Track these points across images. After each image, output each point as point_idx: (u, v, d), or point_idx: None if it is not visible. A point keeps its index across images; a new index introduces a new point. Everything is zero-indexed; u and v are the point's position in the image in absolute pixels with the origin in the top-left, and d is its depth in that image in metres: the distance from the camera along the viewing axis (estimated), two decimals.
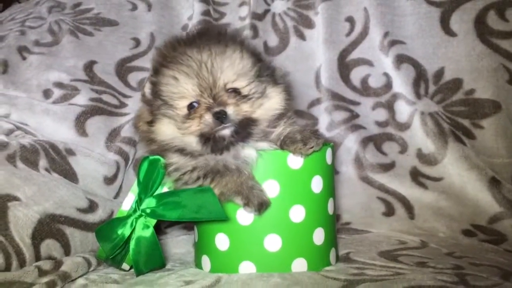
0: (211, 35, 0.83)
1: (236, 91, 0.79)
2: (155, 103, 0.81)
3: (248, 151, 0.81)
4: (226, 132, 0.77)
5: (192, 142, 0.79)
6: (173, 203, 0.80)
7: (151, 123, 0.82)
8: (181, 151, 0.82)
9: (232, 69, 0.78)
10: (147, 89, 0.83)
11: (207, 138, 0.78)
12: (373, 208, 1.21)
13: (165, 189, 0.84)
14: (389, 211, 1.20)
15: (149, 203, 0.83)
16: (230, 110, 0.76)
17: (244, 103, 0.79)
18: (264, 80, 0.82)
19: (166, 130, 0.80)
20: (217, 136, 0.77)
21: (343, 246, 1.00)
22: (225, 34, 0.85)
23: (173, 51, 0.81)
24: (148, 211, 0.82)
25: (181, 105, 0.79)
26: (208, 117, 0.76)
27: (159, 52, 0.84)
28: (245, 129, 0.79)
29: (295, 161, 0.83)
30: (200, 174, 0.81)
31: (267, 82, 0.83)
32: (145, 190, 0.83)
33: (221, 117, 0.76)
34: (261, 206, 0.79)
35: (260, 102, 0.81)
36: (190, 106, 0.79)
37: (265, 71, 0.84)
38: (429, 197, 1.18)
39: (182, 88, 0.78)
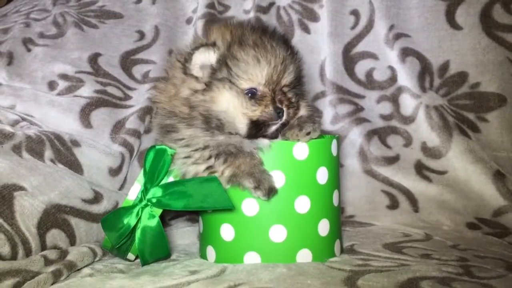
0: (283, 36, 0.91)
1: (285, 95, 0.86)
2: (217, 74, 0.82)
3: (262, 140, 0.84)
4: (274, 127, 0.84)
5: (243, 123, 0.82)
6: (179, 192, 0.81)
7: (201, 92, 0.82)
8: (206, 125, 0.82)
9: (293, 75, 0.86)
10: (208, 56, 0.82)
11: (256, 126, 0.82)
12: (377, 201, 1.21)
13: (171, 178, 0.85)
14: (393, 204, 1.20)
15: (155, 192, 0.83)
16: (285, 110, 0.84)
17: (291, 108, 0.86)
18: (298, 93, 0.90)
19: (226, 102, 0.81)
20: (267, 128, 0.83)
21: (347, 238, 1.00)
22: (289, 40, 0.94)
23: (253, 34, 0.84)
24: (154, 200, 0.83)
25: (244, 86, 0.82)
26: (271, 109, 0.82)
27: (232, 29, 0.85)
28: (281, 129, 0.85)
29: (300, 152, 0.83)
30: (213, 153, 0.82)
31: (299, 94, 0.90)
32: (151, 179, 0.83)
33: (280, 113, 0.83)
34: (271, 191, 0.80)
35: (296, 112, 0.88)
36: (250, 91, 0.82)
37: (302, 85, 0.92)
38: (433, 190, 1.18)
39: (258, 71, 0.82)
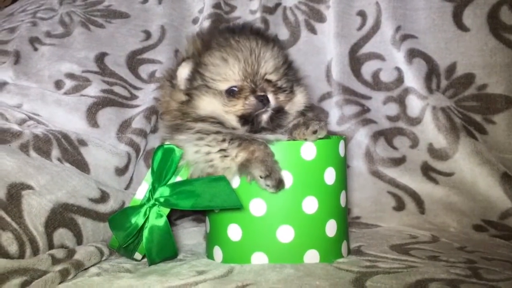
0: (252, 29, 0.91)
1: (271, 82, 0.85)
2: (194, 83, 0.85)
3: (269, 135, 0.84)
4: (265, 116, 0.84)
5: (233, 120, 0.84)
6: (187, 192, 0.81)
7: (186, 102, 0.85)
8: (214, 122, 0.85)
9: (272, 62, 0.86)
10: (186, 69, 0.86)
11: (246, 120, 0.83)
12: (383, 202, 1.21)
13: (178, 178, 0.84)
14: (400, 206, 1.19)
15: (163, 192, 0.83)
16: (270, 96, 0.83)
17: (280, 93, 0.86)
18: (290, 78, 0.90)
19: (207, 105, 0.84)
20: (257, 118, 0.83)
21: (354, 239, 1.00)
22: (263, 31, 0.94)
23: (220, 36, 0.87)
24: (161, 200, 0.83)
25: (221, 87, 0.84)
26: (252, 100, 0.83)
27: (202, 36, 0.89)
28: (278, 117, 0.85)
29: (308, 152, 0.83)
30: (227, 137, 0.82)
31: (293, 80, 0.90)
32: (158, 179, 0.83)
33: (264, 100, 0.83)
34: (280, 183, 0.80)
35: (290, 96, 0.88)
36: (229, 90, 0.84)
37: (291, 70, 0.91)
38: (440, 192, 1.18)
39: (229, 69, 0.84)
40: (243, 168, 0.80)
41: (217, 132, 0.83)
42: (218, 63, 0.84)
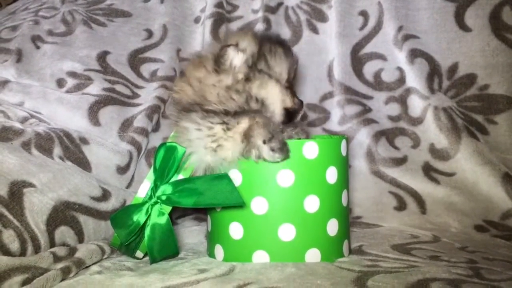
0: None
1: None
2: (256, 65, 0.89)
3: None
4: (299, 116, 0.95)
5: (279, 109, 0.91)
6: (189, 189, 0.81)
7: (239, 82, 0.88)
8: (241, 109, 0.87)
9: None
10: (244, 55, 0.89)
11: (288, 113, 0.92)
12: (384, 202, 1.21)
13: (180, 176, 0.84)
14: (401, 206, 1.19)
15: (165, 190, 0.83)
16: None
17: None
18: None
19: (271, 88, 0.90)
20: (296, 115, 0.93)
21: (355, 239, 1.00)
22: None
23: (279, 39, 0.98)
24: (163, 198, 0.83)
25: (281, 80, 0.92)
26: (297, 100, 0.94)
27: (258, 33, 0.96)
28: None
29: (310, 151, 0.83)
30: (230, 112, 0.85)
31: None
32: (161, 177, 0.83)
33: (301, 104, 0.95)
34: (285, 145, 0.80)
35: None
36: (285, 85, 0.93)
37: None
38: (441, 192, 1.18)
39: (284, 67, 0.92)
40: (247, 138, 0.81)
41: (225, 110, 0.85)
42: (282, 58, 0.92)
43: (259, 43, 0.92)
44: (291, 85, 0.95)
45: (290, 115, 0.92)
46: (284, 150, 0.80)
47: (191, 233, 1.08)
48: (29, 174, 0.87)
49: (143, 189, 0.86)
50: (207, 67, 0.89)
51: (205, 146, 0.83)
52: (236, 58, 0.88)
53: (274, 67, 0.91)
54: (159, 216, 0.82)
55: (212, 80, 0.88)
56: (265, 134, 0.79)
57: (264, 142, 0.79)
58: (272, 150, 0.79)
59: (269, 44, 0.93)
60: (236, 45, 0.88)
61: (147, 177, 0.86)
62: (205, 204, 0.80)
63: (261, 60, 0.90)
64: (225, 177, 0.79)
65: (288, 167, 0.82)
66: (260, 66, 0.90)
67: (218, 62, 0.88)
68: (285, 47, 0.95)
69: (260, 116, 0.83)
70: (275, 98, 0.90)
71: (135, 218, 0.82)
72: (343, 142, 0.89)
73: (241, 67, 0.88)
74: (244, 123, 0.82)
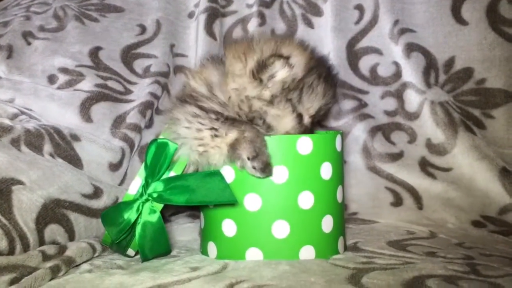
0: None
1: None
2: (289, 94, 0.84)
3: None
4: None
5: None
6: (180, 187, 0.79)
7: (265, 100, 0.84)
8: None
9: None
10: (285, 73, 0.83)
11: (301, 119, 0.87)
12: (381, 198, 1.19)
13: (172, 173, 0.83)
14: (397, 201, 1.18)
15: (156, 187, 0.81)
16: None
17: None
18: None
19: (285, 123, 0.85)
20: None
21: (350, 235, 0.99)
22: None
23: (324, 68, 0.91)
24: (155, 195, 0.81)
25: (299, 111, 0.87)
26: (302, 130, 0.88)
27: (312, 53, 0.90)
28: None
29: (304, 147, 0.82)
30: (220, 117, 0.82)
31: None
32: (152, 174, 0.82)
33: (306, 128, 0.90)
34: (267, 166, 0.78)
35: None
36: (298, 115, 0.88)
37: None
38: (438, 187, 1.17)
39: (316, 104, 0.88)
40: (232, 149, 0.79)
41: (217, 113, 0.82)
42: (318, 96, 0.87)
43: (307, 69, 0.85)
44: (313, 118, 0.90)
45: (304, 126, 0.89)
46: (265, 171, 0.78)
47: (184, 231, 1.06)
48: (18, 172, 0.85)
49: (134, 186, 0.84)
50: (246, 66, 0.83)
51: (191, 148, 0.81)
52: (279, 73, 0.82)
53: (304, 103, 0.86)
54: (150, 214, 0.81)
55: (239, 82, 0.83)
56: (250, 151, 0.78)
57: (248, 159, 0.78)
58: (254, 168, 0.78)
59: (315, 75, 0.86)
60: (287, 59, 0.83)
61: (138, 174, 0.85)
62: (197, 201, 0.78)
63: (296, 91, 0.84)
64: (217, 174, 0.78)
65: (282, 163, 0.81)
66: (291, 96, 0.84)
67: (260, 70, 0.82)
68: (329, 84, 0.89)
69: (249, 130, 0.80)
70: (281, 127, 0.85)
71: (125, 216, 0.80)
72: (338, 138, 0.87)
73: (274, 87, 0.83)
74: (232, 134, 0.80)
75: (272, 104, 0.83)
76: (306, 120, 0.88)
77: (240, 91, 0.83)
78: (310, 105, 0.87)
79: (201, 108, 0.83)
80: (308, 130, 0.89)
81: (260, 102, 0.83)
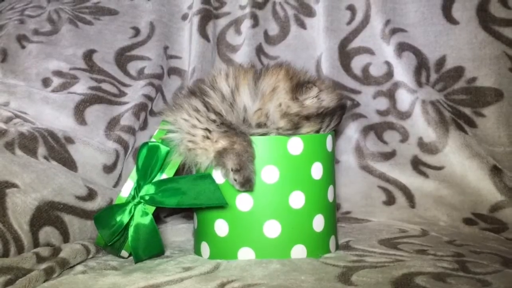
0: None
1: None
2: (322, 118, 0.88)
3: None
4: None
5: None
6: (172, 189, 0.80)
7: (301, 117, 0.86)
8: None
9: None
10: (330, 102, 0.89)
11: None
12: (373, 197, 1.20)
13: (164, 176, 0.84)
14: (390, 200, 1.19)
15: (148, 189, 0.82)
16: None
17: None
18: None
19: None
20: None
21: (343, 234, 1.00)
22: None
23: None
24: (146, 198, 0.82)
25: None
26: None
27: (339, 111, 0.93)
28: None
29: (295, 147, 0.83)
30: (218, 120, 0.83)
31: None
32: (144, 176, 0.83)
33: None
34: (247, 182, 0.79)
35: None
36: None
37: None
38: (430, 186, 1.18)
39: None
40: (219, 156, 0.80)
41: (217, 113, 0.83)
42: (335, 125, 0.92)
43: (337, 105, 0.90)
44: None
45: None
46: (245, 186, 0.79)
47: (179, 231, 1.07)
48: (12, 175, 0.86)
49: (126, 189, 0.85)
50: (289, 83, 0.86)
51: (182, 140, 0.82)
52: (309, 100, 0.86)
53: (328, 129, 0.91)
54: (142, 216, 0.82)
55: (282, 98, 0.85)
56: (235, 163, 0.79)
57: (232, 170, 0.79)
58: (235, 180, 0.79)
59: (341, 112, 0.92)
60: (320, 91, 0.87)
61: (130, 177, 0.86)
62: (188, 204, 0.79)
63: (328, 116, 0.89)
64: (208, 177, 0.79)
65: (273, 163, 0.82)
66: (324, 119, 0.88)
67: (299, 88, 0.86)
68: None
69: (240, 143, 0.80)
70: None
71: (118, 218, 0.81)
72: (329, 138, 0.88)
73: (312, 111, 0.86)
74: (222, 142, 0.81)
75: (308, 120, 0.86)
76: None
77: (281, 109, 0.85)
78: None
79: (204, 103, 0.84)
80: None
81: (298, 118, 0.85)
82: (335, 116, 0.90)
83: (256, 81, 0.86)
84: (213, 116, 0.83)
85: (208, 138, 0.81)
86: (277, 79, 0.87)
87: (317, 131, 0.88)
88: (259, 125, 0.85)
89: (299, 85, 0.86)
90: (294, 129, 0.85)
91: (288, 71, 0.89)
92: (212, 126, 0.82)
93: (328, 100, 0.88)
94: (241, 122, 0.84)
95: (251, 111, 0.85)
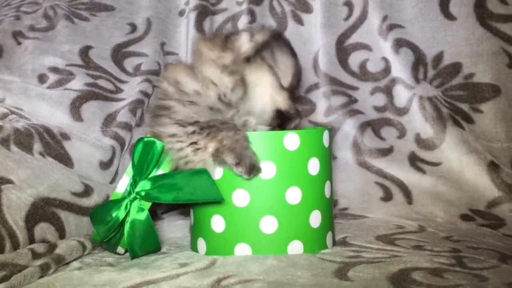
0: None
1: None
2: (262, 53, 0.86)
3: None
4: (293, 124, 0.94)
5: (270, 109, 0.87)
6: (168, 185, 0.80)
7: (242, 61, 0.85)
8: (221, 101, 0.85)
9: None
10: (260, 36, 0.87)
11: (281, 116, 0.88)
12: (371, 193, 1.20)
13: (160, 171, 0.83)
14: (387, 196, 1.19)
15: (144, 185, 0.82)
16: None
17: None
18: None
19: (264, 78, 0.86)
20: (289, 123, 0.91)
21: (340, 230, 1.00)
22: None
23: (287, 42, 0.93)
24: (142, 193, 0.82)
25: (281, 78, 0.87)
26: (294, 106, 0.89)
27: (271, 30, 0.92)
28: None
29: (291, 143, 0.83)
30: (196, 129, 0.82)
31: None
32: (139, 172, 0.82)
33: (298, 113, 0.93)
34: (252, 168, 0.79)
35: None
36: (283, 86, 0.88)
37: None
38: (427, 182, 1.17)
39: (289, 70, 0.89)
40: (216, 158, 0.80)
41: (194, 123, 0.82)
42: (285, 56, 0.88)
43: (271, 36, 0.88)
44: (292, 91, 0.90)
45: (282, 120, 0.88)
46: (252, 173, 0.79)
47: (176, 228, 1.07)
48: (7, 171, 0.86)
49: (122, 185, 0.85)
50: (215, 44, 0.86)
51: (177, 162, 0.83)
52: (246, 44, 0.85)
53: (279, 62, 0.87)
54: (138, 212, 0.82)
55: (214, 54, 0.84)
56: (232, 158, 0.78)
57: (233, 164, 0.79)
58: (240, 172, 0.79)
59: (280, 42, 0.89)
60: (252, 35, 0.86)
61: (126, 172, 0.86)
62: (184, 199, 0.79)
63: (268, 50, 0.86)
64: (204, 172, 0.79)
65: (269, 158, 0.82)
66: (265, 55, 0.86)
67: (228, 39, 0.85)
68: (292, 52, 0.91)
69: (226, 137, 0.80)
70: (264, 90, 0.86)
71: (114, 214, 0.81)
72: (325, 133, 0.88)
73: (247, 50, 0.85)
74: (212, 145, 0.80)
75: (249, 62, 0.85)
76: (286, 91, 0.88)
77: (216, 62, 0.84)
78: (284, 66, 0.88)
79: (177, 123, 0.83)
80: (294, 109, 0.89)
81: (238, 65, 0.84)
82: (275, 50, 0.87)
83: (191, 68, 0.87)
84: (190, 129, 0.82)
85: (198, 149, 0.81)
86: (201, 52, 0.87)
87: (274, 78, 0.86)
88: (228, 105, 0.84)
89: (227, 38, 0.86)
90: (243, 84, 0.84)
91: (207, 41, 0.88)
92: (195, 137, 0.82)
93: (261, 36, 0.87)
94: (216, 110, 0.84)
95: (203, 91, 0.84)
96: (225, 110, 0.84)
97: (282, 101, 0.87)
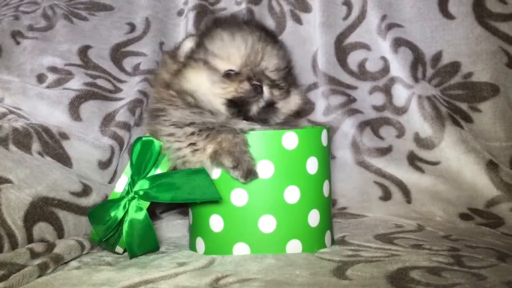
0: (263, 25, 0.94)
1: (268, 78, 0.86)
2: (194, 55, 0.86)
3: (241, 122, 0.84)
4: (255, 107, 0.84)
5: (219, 102, 0.84)
6: (166, 184, 0.80)
7: (176, 72, 0.86)
8: (186, 105, 0.85)
9: (276, 61, 0.87)
10: (190, 42, 0.88)
11: (236, 104, 0.83)
12: (369, 192, 1.20)
13: (158, 170, 0.84)
14: (386, 196, 1.19)
15: (142, 185, 0.82)
16: (265, 88, 0.84)
17: (275, 89, 0.87)
18: (289, 81, 0.91)
19: (195, 79, 0.84)
20: (247, 106, 0.83)
21: (339, 230, 1.00)
22: (273, 31, 0.99)
23: (233, 20, 0.90)
24: (141, 193, 0.82)
25: (221, 67, 0.84)
26: (247, 85, 0.83)
27: (215, 18, 0.91)
28: (268, 112, 0.86)
29: (290, 142, 0.83)
30: (195, 130, 0.81)
31: (291, 83, 0.92)
32: (138, 171, 0.82)
33: (258, 89, 0.83)
34: (249, 173, 0.79)
35: (284, 95, 0.89)
36: (227, 73, 0.84)
37: (291, 75, 0.93)
38: (426, 181, 1.17)
39: (234, 50, 0.84)
40: (214, 160, 0.80)
41: (190, 124, 0.82)
42: (226, 40, 0.84)
43: (211, 23, 0.87)
44: (257, 71, 0.84)
45: (238, 106, 0.83)
46: (250, 177, 0.79)
47: (174, 227, 1.07)
48: (5, 170, 0.86)
49: (121, 184, 0.85)
50: (172, 56, 0.89)
51: (176, 161, 0.83)
52: (183, 53, 0.87)
53: (214, 52, 0.84)
54: (137, 212, 0.81)
55: (170, 67, 0.88)
56: (230, 161, 0.78)
57: (230, 167, 0.78)
58: (237, 176, 0.79)
59: (226, 20, 0.87)
60: (194, 36, 0.86)
61: (124, 172, 0.86)
62: (183, 199, 0.79)
63: (200, 47, 0.85)
64: (202, 171, 0.79)
65: (268, 158, 0.82)
66: (198, 55, 0.85)
67: (176, 50, 0.87)
68: (235, 28, 0.85)
69: (225, 140, 0.79)
70: (203, 88, 0.83)
71: (112, 213, 0.81)
72: (324, 132, 0.88)
73: (181, 57, 0.86)
74: (210, 147, 0.80)
75: (181, 72, 0.85)
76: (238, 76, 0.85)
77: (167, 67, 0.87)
78: (225, 52, 0.84)
79: (173, 124, 0.83)
80: (247, 89, 0.83)
81: (175, 77, 0.85)
82: (215, 38, 0.84)
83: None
84: (189, 130, 0.82)
85: (196, 150, 0.81)
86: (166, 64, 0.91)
87: (207, 73, 0.84)
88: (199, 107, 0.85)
89: (176, 49, 0.88)
90: (185, 93, 0.84)
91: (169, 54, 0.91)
92: (194, 138, 0.81)
93: (194, 38, 0.88)
94: (206, 113, 0.84)
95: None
96: (206, 113, 0.84)
97: (222, 91, 0.84)
